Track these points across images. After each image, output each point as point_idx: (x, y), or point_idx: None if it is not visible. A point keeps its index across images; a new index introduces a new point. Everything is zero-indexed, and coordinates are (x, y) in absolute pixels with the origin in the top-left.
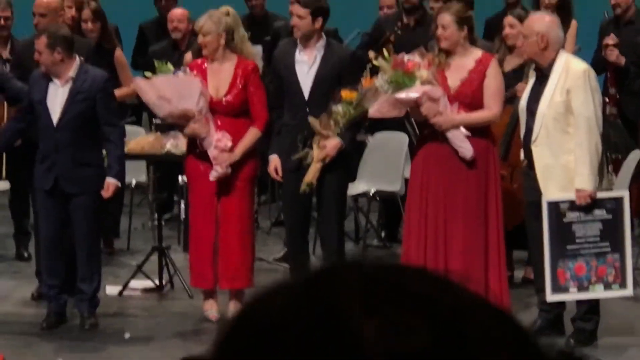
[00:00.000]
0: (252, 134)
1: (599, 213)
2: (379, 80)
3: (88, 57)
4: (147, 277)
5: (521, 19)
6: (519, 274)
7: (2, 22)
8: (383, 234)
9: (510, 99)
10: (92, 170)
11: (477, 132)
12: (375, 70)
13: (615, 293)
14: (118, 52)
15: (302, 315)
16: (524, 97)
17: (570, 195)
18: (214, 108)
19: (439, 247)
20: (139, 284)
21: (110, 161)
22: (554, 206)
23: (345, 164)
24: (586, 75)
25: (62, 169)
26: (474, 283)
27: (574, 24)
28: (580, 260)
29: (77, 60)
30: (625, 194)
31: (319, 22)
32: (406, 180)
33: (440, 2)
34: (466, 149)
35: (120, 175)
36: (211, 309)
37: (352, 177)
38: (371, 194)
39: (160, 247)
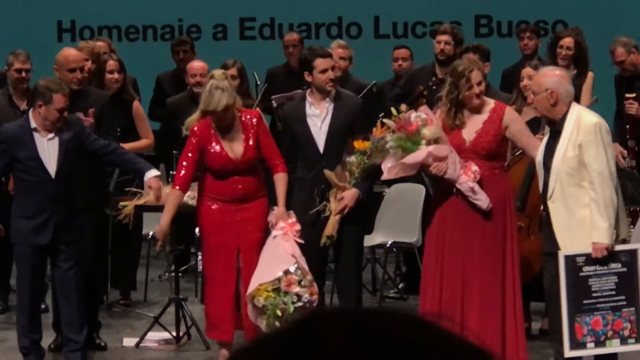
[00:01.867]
0: (283, 182)
1: (614, 266)
2: (389, 141)
3: (104, 108)
4: (164, 328)
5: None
6: (536, 325)
7: (24, 74)
8: (400, 286)
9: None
10: (82, 217)
11: (494, 184)
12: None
13: (632, 347)
14: (136, 104)
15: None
16: (540, 151)
17: (587, 249)
18: (234, 169)
19: (456, 302)
20: (156, 335)
21: (134, 162)
22: (570, 260)
23: (362, 215)
24: (597, 128)
25: (60, 218)
26: (491, 336)
27: (590, 75)
28: (597, 314)
29: None
30: (639, 247)
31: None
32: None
33: (471, 54)
34: (482, 201)
35: (152, 167)
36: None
37: (369, 229)
38: (388, 246)
39: (177, 299)
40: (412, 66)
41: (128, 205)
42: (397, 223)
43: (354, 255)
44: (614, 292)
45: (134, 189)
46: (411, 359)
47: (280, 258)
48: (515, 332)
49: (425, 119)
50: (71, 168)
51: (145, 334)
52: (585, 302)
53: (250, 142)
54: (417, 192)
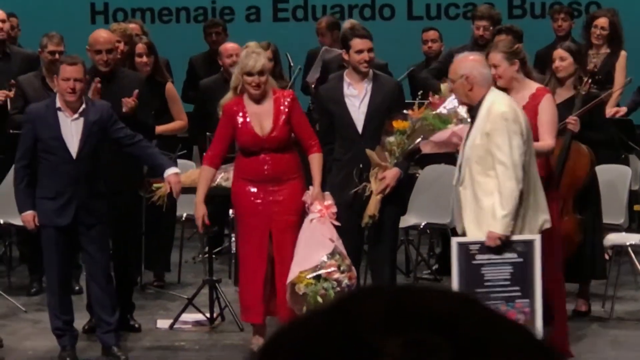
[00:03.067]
0: (318, 162)
1: (509, 256)
2: (426, 117)
3: (140, 90)
4: (198, 310)
5: (571, 52)
6: (570, 306)
7: (57, 56)
8: (434, 267)
9: (561, 131)
10: (104, 201)
11: None
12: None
13: None
14: (169, 86)
15: (328, 336)
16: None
17: (481, 237)
18: (261, 145)
19: None
20: (189, 317)
21: (156, 157)
22: (463, 247)
23: (400, 195)
24: (504, 118)
25: (81, 200)
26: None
27: (623, 54)
28: (490, 304)
29: None
30: (536, 237)
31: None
32: None
33: (504, 35)
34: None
35: (173, 164)
36: (259, 343)
37: (403, 210)
38: (422, 227)
39: (211, 281)
40: (441, 48)
41: (162, 187)
42: (430, 204)
43: (390, 237)
44: (508, 283)
45: None
46: (455, 334)
47: (319, 243)
48: (555, 317)
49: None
50: (94, 150)
51: (179, 315)
52: (477, 290)
53: (280, 121)
54: (450, 173)
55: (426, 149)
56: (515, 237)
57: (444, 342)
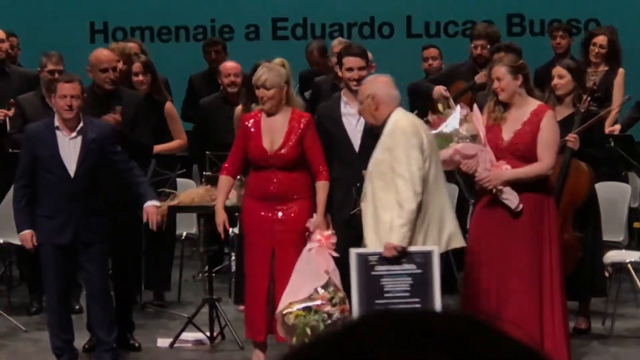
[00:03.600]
0: (324, 190)
1: (408, 267)
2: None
3: (138, 109)
4: (198, 329)
5: (570, 69)
6: (570, 324)
7: (56, 75)
8: None
9: (561, 149)
10: (103, 219)
11: (532, 185)
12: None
13: None
14: (168, 105)
15: (339, 357)
16: None
17: (380, 249)
18: (268, 161)
19: (491, 302)
20: (190, 336)
21: (142, 186)
22: (362, 258)
23: None
24: (404, 132)
25: (79, 218)
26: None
27: (621, 72)
28: None
29: None
30: (434, 249)
31: (368, 71)
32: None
33: (502, 53)
34: (511, 201)
35: (156, 197)
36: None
37: None
38: None
39: (211, 299)
40: (441, 65)
41: (161, 206)
42: None
43: None
44: (407, 294)
45: (168, 190)
46: (466, 355)
47: (312, 274)
48: (554, 336)
49: (464, 116)
50: (92, 168)
51: (179, 334)
52: (377, 302)
53: (291, 141)
54: (451, 191)
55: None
56: (413, 249)
57: None
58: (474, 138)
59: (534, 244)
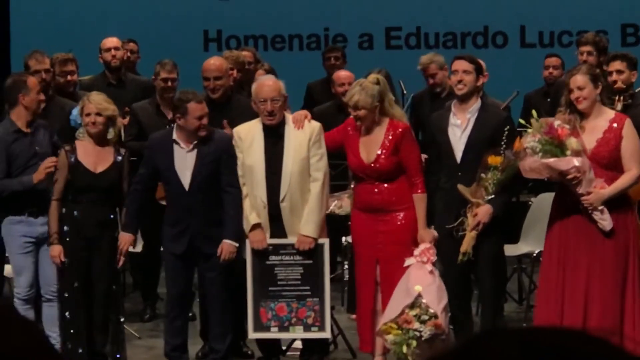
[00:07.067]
0: (419, 202)
1: (300, 258)
2: (530, 141)
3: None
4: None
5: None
6: None
7: (170, 84)
8: None
9: None
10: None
11: (615, 200)
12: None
13: (315, 335)
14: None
15: None
16: None
17: (275, 240)
18: (366, 172)
19: (578, 318)
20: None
21: (227, 222)
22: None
23: (499, 227)
24: (321, 131)
25: (197, 230)
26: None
27: None
28: (282, 301)
29: None
30: (325, 241)
31: (481, 80)
32: None
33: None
34: (607, 222)
35: (237, 236)
36: None
37: (514, 238)
38: (534, 255)
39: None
40: (562, 75)
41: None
42: (543, 232)
43: (491, 268)
44: (299, 282)
45: None
46: None
47: (405, 292)
48: (634, 340)
49: (570, 131)
50: (209, 181)
51: (292, 342)
52: (270, 289)
53: (386, 152)
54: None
55: (528, 174)
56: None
57: None
58: (579, 153)
59: (619, 257)
